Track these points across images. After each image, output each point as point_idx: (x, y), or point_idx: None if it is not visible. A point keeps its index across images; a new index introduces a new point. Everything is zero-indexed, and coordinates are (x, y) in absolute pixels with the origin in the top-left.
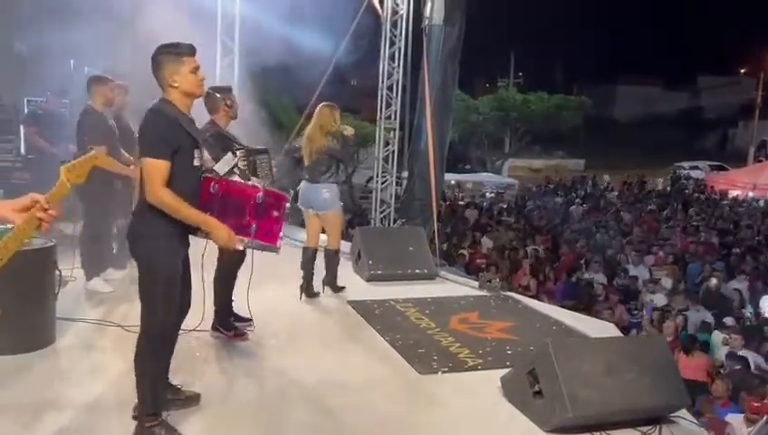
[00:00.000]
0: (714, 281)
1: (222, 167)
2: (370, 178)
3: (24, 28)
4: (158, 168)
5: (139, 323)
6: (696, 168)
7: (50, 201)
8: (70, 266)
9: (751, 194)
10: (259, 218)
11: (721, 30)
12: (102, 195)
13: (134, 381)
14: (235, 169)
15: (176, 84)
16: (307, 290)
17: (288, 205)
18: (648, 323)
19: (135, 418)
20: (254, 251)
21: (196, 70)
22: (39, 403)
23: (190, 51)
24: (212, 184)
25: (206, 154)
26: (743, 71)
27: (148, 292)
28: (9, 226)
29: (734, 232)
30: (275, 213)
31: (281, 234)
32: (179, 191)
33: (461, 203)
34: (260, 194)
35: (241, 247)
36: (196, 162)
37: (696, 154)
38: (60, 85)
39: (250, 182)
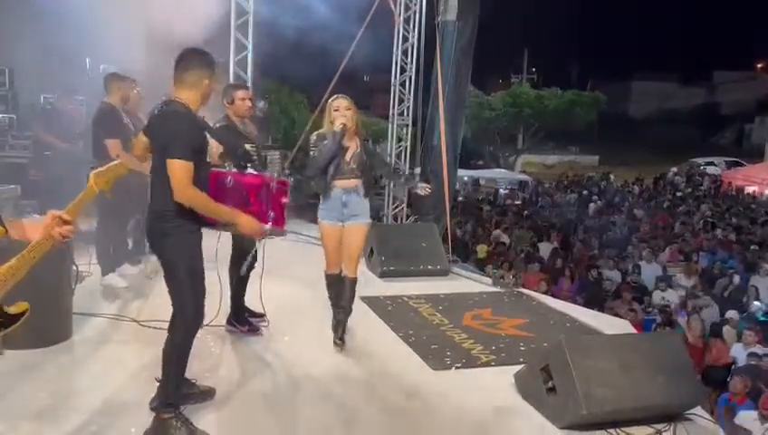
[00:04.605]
0: (736, 278)
1: (271, 168)
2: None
3: (40, 26)
4: (186, 169)
5: (159, 320)
6: (711, 163)
7: (77, 207)
8: (86, 262)
9: None
10: (272, 206)
11: (737, 25)
12: (119, 192)
13: (150, 375)
14: (249, 164)
15: (209, 87)
16: None
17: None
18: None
19: (153, 410)
20: (264, 247)
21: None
22: (57, 397)
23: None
24: (228, 178)
25: (213, 144)
26: (759, 66)
27: (175, 288)
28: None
29: (751, 228)
30: (284, 199)
31: (285, 217)
32: (198, 186)
33: (473, 199)
34: (274, 183)
35: (265, 237)
36: (207, 158)
37: (713, 150)
38: (74, 83)
39: (265, 173)
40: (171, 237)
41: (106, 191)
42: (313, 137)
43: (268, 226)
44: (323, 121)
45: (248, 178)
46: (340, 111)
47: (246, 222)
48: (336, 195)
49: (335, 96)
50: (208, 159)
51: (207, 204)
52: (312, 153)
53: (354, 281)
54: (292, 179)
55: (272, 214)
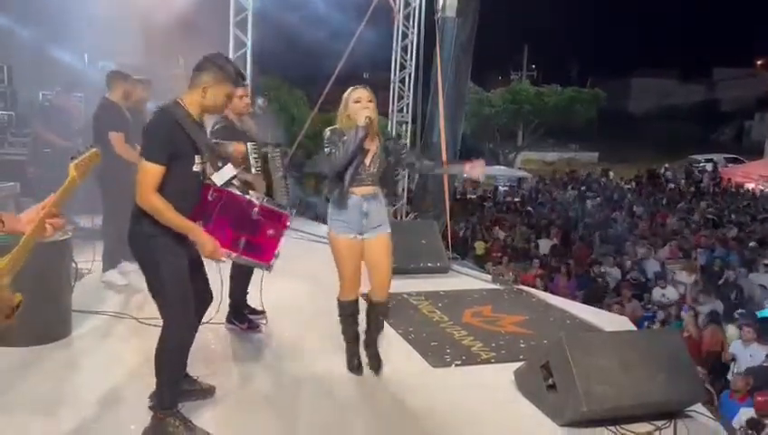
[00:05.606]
0: (732, 274)
1: (219, 178)
2: None
3: (39, 23)
4: (151, 172)
5: (159, 318)
6: (711, 160)
7: (61, 199)
8: (86, 259)
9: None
10: (252, 234)
11: (736, 22)
12: (124, 187)
13: (149, 372)
14: (234, 181)
15: (207, 94)
16: None
17: (289, 223)
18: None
19: (151, 408)
20: None
21: (230, 97)
22: (55, 394)
23: (238, 81)
24: (210, 191)
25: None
26: (759, 62)
27: (158, 291)
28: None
29: (750, 225)
30: (270, 231)
31: (276, 252)
32: (175, 196)
33: (473, 196)
34: (255, 210)
35: (225, 260)
36: (195, 168)
37: (712, 147)
38: (72, 79)
39: (248, 196)
40: (148, 240)
41: (83, 180)
42: (327, 133)
43: (234, 254)
44: (338, 117)
45: (230, 198)
46: (362, 103)
47: (203, 242)
48: (355, 203)
49: (354, 87)
50: (197, 169)
51: (165, 213)
52: (326, 150)
53: (386, 307)
54: (294, 211)
55: (243, 241)
